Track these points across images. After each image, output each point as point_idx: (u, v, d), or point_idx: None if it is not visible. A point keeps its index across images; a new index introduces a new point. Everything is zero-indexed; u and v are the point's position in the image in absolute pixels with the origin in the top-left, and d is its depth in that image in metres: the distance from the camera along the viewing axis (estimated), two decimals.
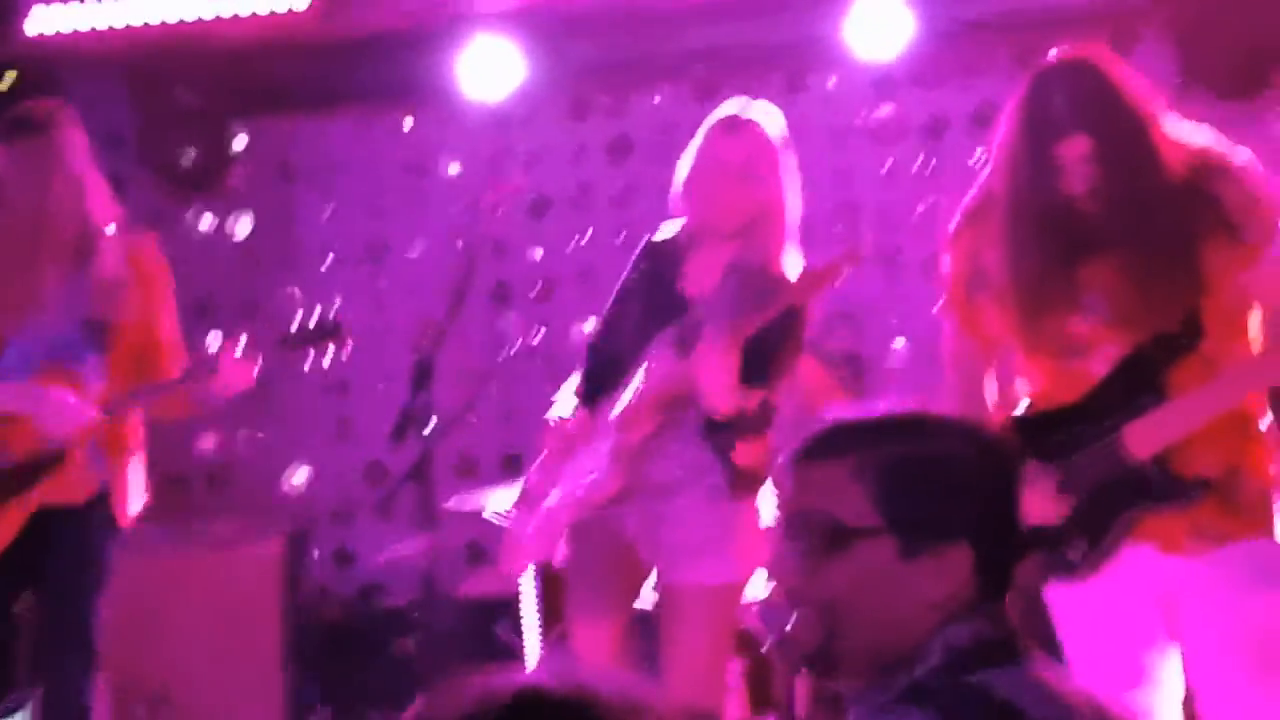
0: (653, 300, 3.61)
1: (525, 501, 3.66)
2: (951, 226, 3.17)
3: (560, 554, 3.64)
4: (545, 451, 3.64)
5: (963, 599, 1.79)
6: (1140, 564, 3.00)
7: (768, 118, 3.65)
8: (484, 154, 6.28)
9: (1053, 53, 3.02)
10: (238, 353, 3.77)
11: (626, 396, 3.55)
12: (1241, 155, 2.98)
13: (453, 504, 4.97)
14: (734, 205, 3.54)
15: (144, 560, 5.42)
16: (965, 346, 3.17)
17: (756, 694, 4.47)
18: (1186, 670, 3.02)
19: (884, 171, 6.06)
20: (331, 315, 3.73)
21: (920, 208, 6.01)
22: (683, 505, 3.52)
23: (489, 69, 5.53)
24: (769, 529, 3.55)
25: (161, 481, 6.58)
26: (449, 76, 5.57)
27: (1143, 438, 2.94)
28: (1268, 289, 2.94)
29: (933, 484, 1.80)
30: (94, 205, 3.88)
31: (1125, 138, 2.91)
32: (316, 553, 5.96)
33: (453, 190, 6.27)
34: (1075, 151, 2.90)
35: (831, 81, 6.05)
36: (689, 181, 3.61)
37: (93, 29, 5.50)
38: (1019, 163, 2.96)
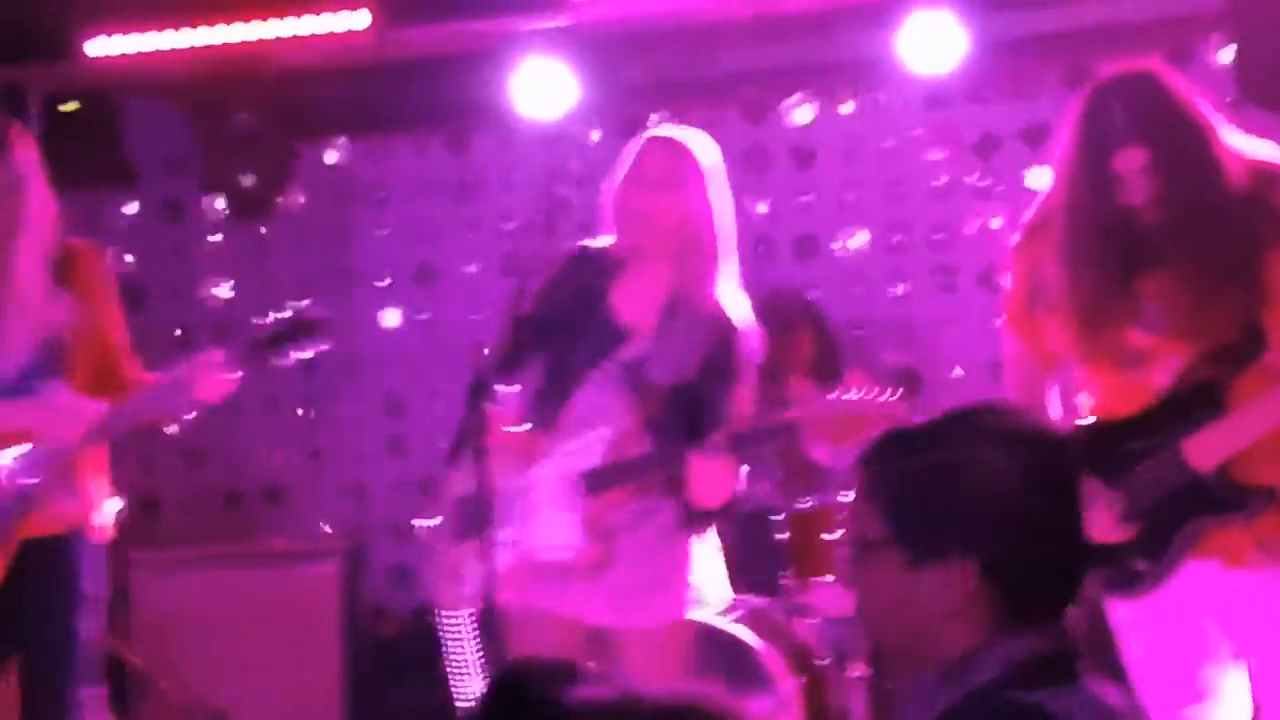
0: (584, 316, 3.57)
1: (467, 529, 3.48)
2: (1012, 242, 3.18)
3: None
4: (480, 464, 3.35)
5: (982, 610, 1.78)
6: (1204, 579, 2.98)
7: (696, 139, 3.65)
8: (538, 174, 6.31)
9: (1109, 67, 3.02)
10: (215, 363, 3.67)
11: (584, 451, 3.49)
12: None
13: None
14: (656, 215, 3.52)
15: (203, 579, 5.49)
16: (1026, 361, 3.18)
17: (813, 709, 4.47)
18: (1253, 685, 3.00)
19: (937, 187, 6.05)
20: (308, 313, 3.68)
21: (974, 224, 6.00)
22: (630, 546, 3.51)
23: (542, 89, 5.57)
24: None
25: (220, 500, 6.70)
26: (503, 97, 5.62)
27: (1204, 450, 2.94)
28: None
29: (938, 494, 1.81)
30: (54, 223, 3.74)
31: (1183, 149, 2.91)
32: (374, 571, 5.99)
33: (507, 210, 6.31)
34: (1133, 163, 2.90)
35: (883, 98, 6.06)
36: (614, 195, 3.61)
37: (153, 52, 5.57)
38: (1077, 175, 2.97)
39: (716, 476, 3.42)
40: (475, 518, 3.44)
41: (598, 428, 3.52)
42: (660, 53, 5.88)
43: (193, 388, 3.66)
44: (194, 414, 3.77)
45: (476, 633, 3.88)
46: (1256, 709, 3.02)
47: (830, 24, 5.60)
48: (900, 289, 6.10)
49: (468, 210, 6.50)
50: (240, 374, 3.66)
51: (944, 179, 6.04)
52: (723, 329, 3.53)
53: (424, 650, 5.35)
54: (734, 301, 3.60)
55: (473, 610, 3.64)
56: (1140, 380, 2.99)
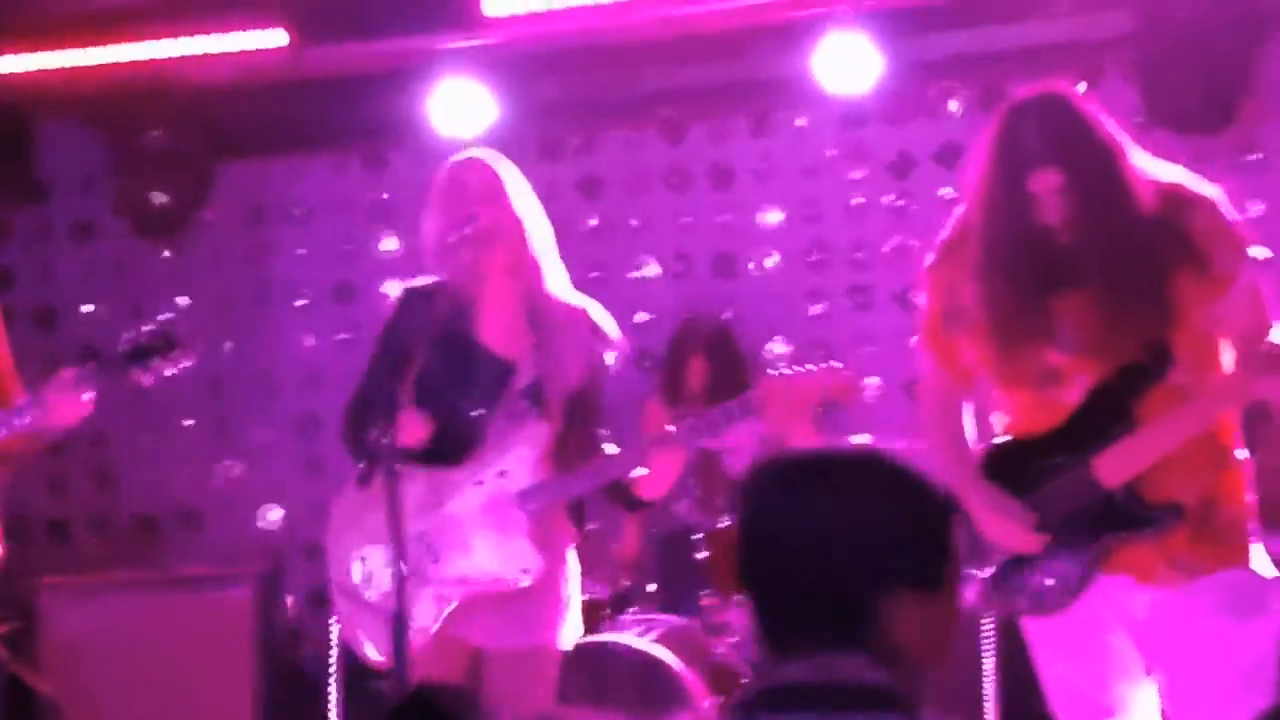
0: (462, 362, 3.58)
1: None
2: (927, 261, 3.20)
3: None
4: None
5: (761, 640, 1.84)
6: (1117, 595, 3.01)
7: (492, 155, 3.72)
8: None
9: (1022, 89, 3.06)
10: (68, 384, 3.59)
11: (509, 474, 3.52)
12: (1210, 189, 3.02)
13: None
14: (484, 230, 3.55)
15: (115, 604, 5.39)
16: (942, 380, 3.20)
17: None
18: (1165, 702, 3.03)
19: (854, 206, 6.11)
20: (169, 327, 3.63)
21: (890, 243, 6.06)
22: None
23: (460, 109, 5.56)
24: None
25: (133, 524, 6.59)
26: (421, 116, 5.59)
27: (1113, 466, 2.98)
28: (1237, 319, 2.97)
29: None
30: None
31: (1095, 171, 2.95)
32: (290, 594, 5.92)
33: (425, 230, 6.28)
34: (1047, 184, 2.94)
35: (801, 118, 6.10)
36: (434, 229, 3.63)
37: (65, 69, 5.50)
38: (993, 195, 3.00)
39: (669, 468, 3.47)
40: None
41: (513, 451, 3.55)
42: (578, 73, 5.89)
43: (48, 411, 3.58)
44: (55, 438, 3.70)
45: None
46: (1171, 705, 3.05)
47: (747, 45, 5.64)
48: (818, 308, 6.14)
49: (386, 229, 6.46)
50: (94, 394, 3.58)
51: (860, 198, 6.10)
52: (582, 324, 3.60)
53: (351, 670, 5.30)
54: (574, 295, 3.67)
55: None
56: (1054, 398, 3.03)
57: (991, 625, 4.74)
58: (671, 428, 3.51)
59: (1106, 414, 2.99)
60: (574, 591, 3.63)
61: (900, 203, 6.06)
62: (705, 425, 3.48)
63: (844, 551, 1.81)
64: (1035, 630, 3.14)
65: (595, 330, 3.60)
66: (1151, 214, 2.96)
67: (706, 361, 5.48)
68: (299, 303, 6.54)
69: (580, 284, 3.71)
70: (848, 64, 5.33)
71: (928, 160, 6.00)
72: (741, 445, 4.92)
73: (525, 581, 3.48)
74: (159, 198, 5.77)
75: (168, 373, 3.63)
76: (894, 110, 5.97)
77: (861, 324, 6.08)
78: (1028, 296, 2.99)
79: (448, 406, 3.56)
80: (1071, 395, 3.01)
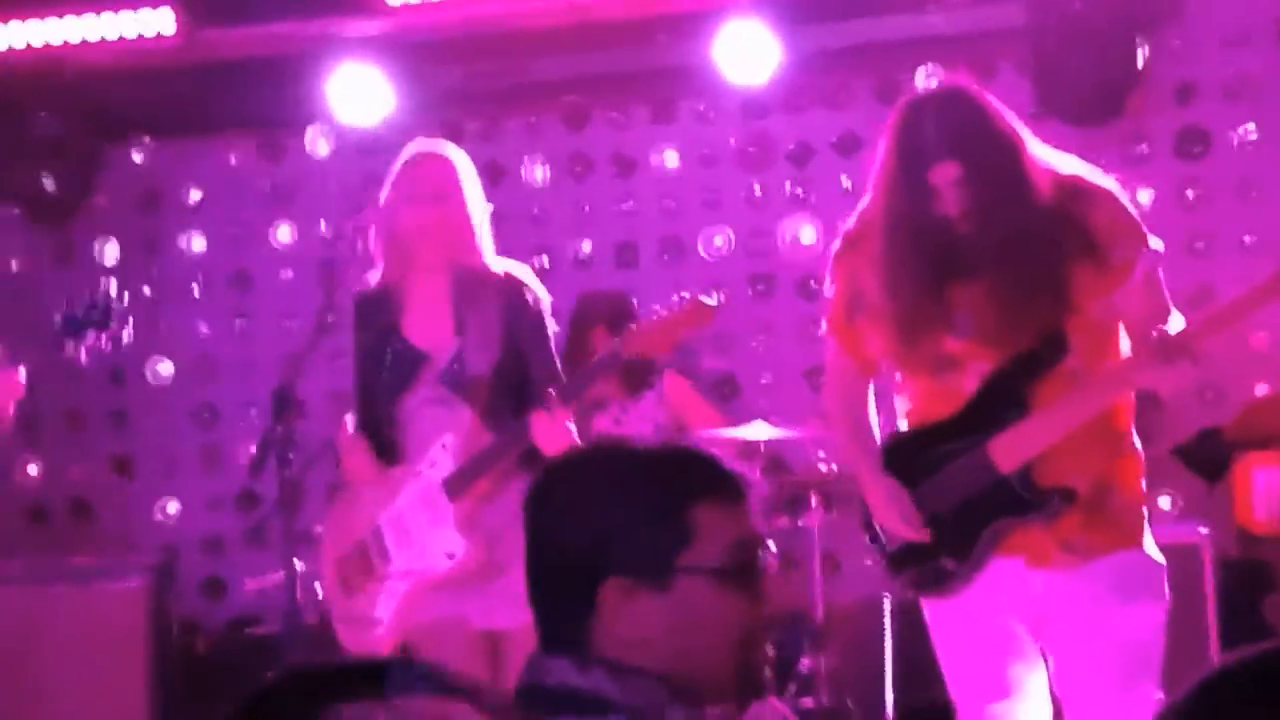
0: (384, 356, 3.67)
1: (352, 584, 3.64)
2: (832, 251, 3.24)
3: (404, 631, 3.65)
4: (285, 473, 3.55)
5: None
6: (1010, 578, 3.06)
7: (452, 149, 3.78)
8: (354, 181, 6.24)
9: (923, 82, 3.10)
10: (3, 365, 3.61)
11: (438, 463, 3.58)
12: (1108, 181, 3.08)
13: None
14: (431, 228, 3.63)
15: (5, 596, 5.29)
16: (846, 368, 3.24)
17: None
18: (1055, 682, 3.09)
19: (754, 196, 6.14)
20: (106, 301, 3.61)
21: (789, 232, 6.09)
22: (514, 545, 3.53)
23: (358, 95, 5.51)
24: None
25: (22, 516, 6.46)
26: (318, 102, 5.53)
27: (1007, 451, 3.03)
28: (1134, 309, 3.03)
29: None
30: None
31: (994, 163, 2.99)
32: (185, 585, 5.84)
33: (320, 217, 6.22)
34: (947, 176, 2.98)
35: (701, 107, 6.12)
36: (384, 215, 3.70)
37: None
38: (894, 187, 3.04)
39: (558, 429, 3.49)
40: (361, 563, 3.63)
41: (439, 439, 3.59)
42: (478, 60, 5.86)
43: None
44: None
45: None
46: (1057, 706, 3.11)
47: (648, 33, 5.64)
48: (718, 297, 6.16)
49: (282, 216, 6.39)
50: (23, 370, 3.54)
51: (760, 188, 6.13)
52: (508, 294, 3.65)
53: (236, 664, 5.25)
54: (506, 266, 3.72)
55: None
56: (953, 385, 3.07)
57: (890, 607, 4.80)
58: (551, 391, 3.55)
59: (1002, 400, 3.04)
60: None
61: (799, 192, 6.10)
62: (577, 382, 3.56)
63: (561, 546, 1.78)
64: (934, 612, 3.18)
65: (517, 293, 3.64)
66: (1050, 205, 3.00)
67: (610, 333, 5.48)
68: (193, 290, 6.45)
69: None
70: (748, 53, 5.36)
71: (827, 149, 6.04)
72: (642, 431, 4.95)
73: (445, 564, 3.55)
74: (48, 182, 5.66)
75: (100, 342, 3.60)
76: (794, 99, 6.01)
77: (761, 313, 6.12)
78: (926, 286, 3.03)
79: (377, 405, 3.65)
80: (970, 382, 3.06)
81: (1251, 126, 5.63)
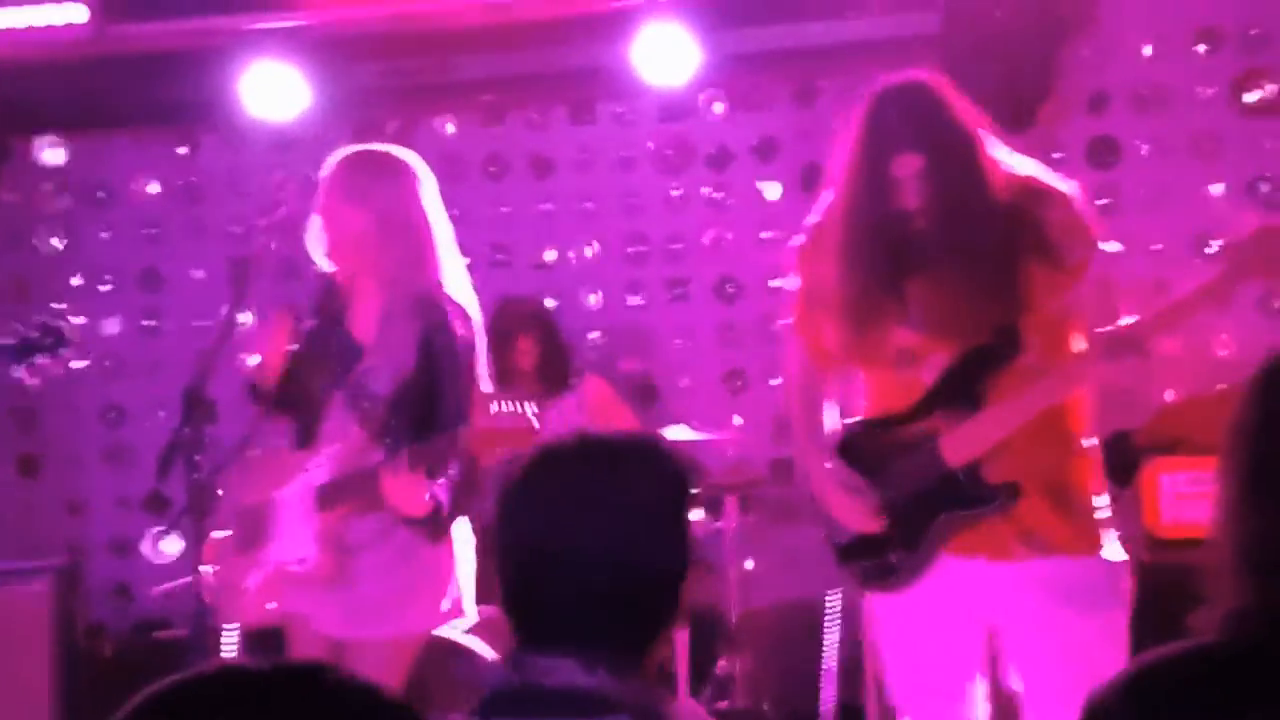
0: (327, 342, 3.67)
1: (239, 545, 3.65)
2: (796, 245, 3.23)
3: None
4: (192, 473, 3.48)
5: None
6: (970, 579, 3.05)
7: (393, 150, 3.74)
8: (267, 178, 6.16)
9: (886, 78, 3.11)
10: None
11: (321, 467, 3.59)
12: (1064, 184, 3.11)
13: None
14: (343, 228, 3.60)
15: None
16: (805, 361, 3.25)
17: None
18: (1017, 677, 3.07)
19: (672, 198, 6.14)
20: (54, 324, 3.56)
21: (707, 235, 6.10)
22: (372, 562, 3.58)
23: (273, 91, 5.44)
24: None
25: None
26: (232, 98, 5.46)
27: (957, 445, 3.04)
28: (1086, 310, 3.05)
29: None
30: None
31: (954, 158, 3.01)
32: (92, 588, 5.74)
33: (236, 214, 6.14)
34: (908, 168, 2.99)
35: (620, 109, 6.11)
36: (335, 219, 3.66)
37: None
38: (856, 179, 3.05)
39: (405, 489, 3.44)
40: (252, 529, 3.58)
41: (331, 444, 3.59)
42: (395, 57, 5.80)
43: None
44: None
45: (243, 645, 3.87)
46: (1017, 698, 3.11)
47: (567, 33, 5.62)
48: (636, 299, 6.16)
49: (195, 214, 6.30)
50: None
51: (678, 190, 6.13)
52: (432, 315, 3.57)
53: (143, 667, 5.15)
54: (449, 288, 3.64)
55: (243, 623, 3.69)
56: (911, 378, 3.09)
57: (838, 602, 4.80)
58: (403, 456, 3.48)
59: (956, 395, 3.05)
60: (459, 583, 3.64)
61: (718, 195, 6.11)
62: (433, 451, 3.44)
63: (604, 550, 1.79)
64: (880, 609, 3.18)
65: (443, 322, 3.56)
66: (1006, 203, 3.02)
67: (534, 341, 5.46)
68: (102, 288, 6.34)
69: None
70: (666, 55, 5.35)
71: (746, 153, 6.05)
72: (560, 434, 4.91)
73: (296, 568, 3.55)
74: None
75: (49, 367, 3.54)
76: (711, 103, 6.02)
77: (678, 316, 6.12)
78: (881, 277, 3.04)
79: (308, 380, 3.62)
80: (928, 376, 3.07)
81: (1162, 135, 5.72)
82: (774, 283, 6.15)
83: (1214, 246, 5.43)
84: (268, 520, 3.63)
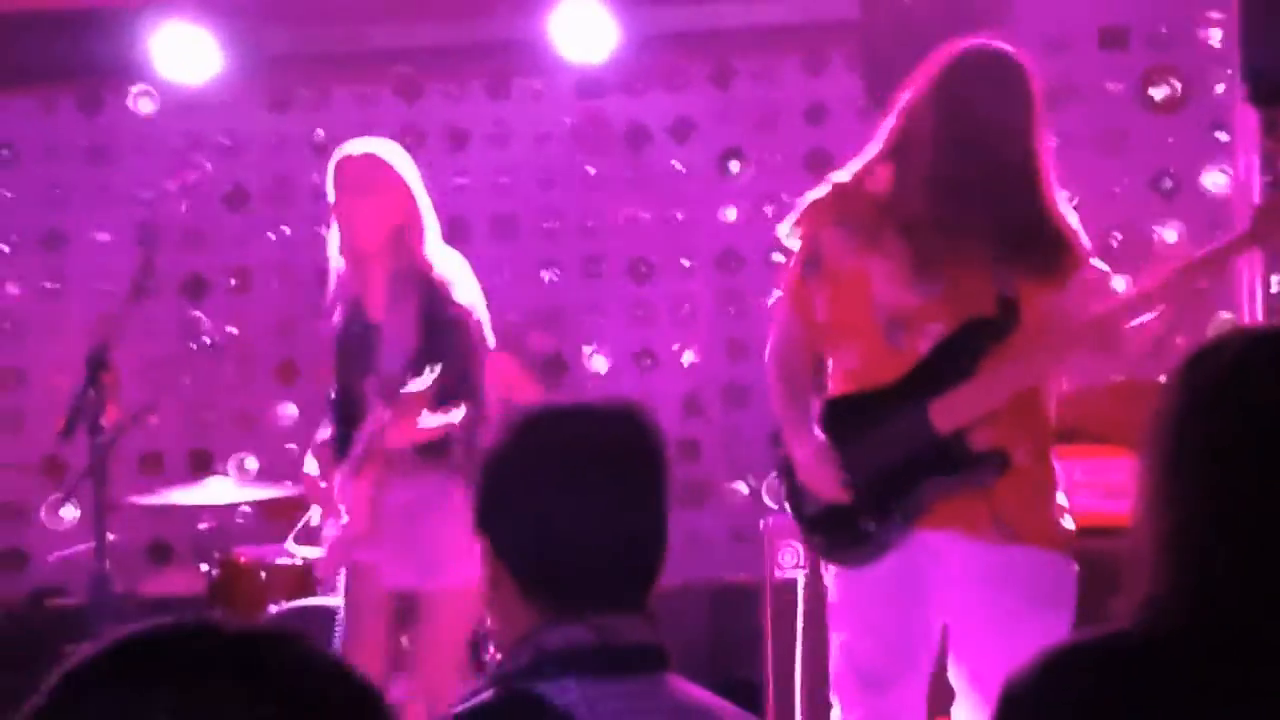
0: (354, 327, 3.91)
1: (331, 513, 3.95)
2: (798, 210, 3.21)
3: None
4: (95, 438, 3.61)
5: (516, 596, 1.78)
6: (941, 552, 3.04)
7: (380, 144, 3.93)
8: (176, 141, 6.06)
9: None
10: None
11: (358, 444, 3.82)
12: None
13: (137, 499, 4.81)
14: (354, 221, 3.84)
15: None
16: (793, 328, 3.21)
17: None
18: (962, 672, 3.07)
19: (588, 176, 6.13)
20: None
21: (622, 214, 6.10)
22: (432, 518, 3.78)
23: (183, 53, 5.35)
24: None
25: None
26: (141, 58, 5.36)
27: (946, 411, 3.04)
28: (1074, 310, 3.08)
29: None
30: None
31: (1006, 128, 3.05)
32: None
33: (142, 177, 6.04)
34: (974, 138, 3.02)
35: (537, 85, 6.09)
36: (337, 215, 3.89)
37: None
38: (949, 122, 3.04)
39: (346, 490, 3.75)
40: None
41: (366, 419, 3.80)
42: (307, 25, 5.73)
43: None
44: None
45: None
46: (965, 671, 3.08)
47: (485, 6, 5.58)
48: (549, 275, 6.15)
49: (100, 175, 6.19)
50: None
51: (594, 168, 6.12)
52: (428, 285, 3.80)
53: (37, 636, 5.08)
54: (441, 264, 3.86)
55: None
56: (908, 347, 3.07)
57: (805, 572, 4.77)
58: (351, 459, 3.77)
59: (951, 363, 3.05)
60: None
61: (633, 174, 6.11)
62: (361, 453, 3.74)
63: (646, 519, 1.81)
64: (840, 583, 3.14)
65: (437, 291, 3.78)
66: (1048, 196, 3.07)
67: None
68: (2, 249, 6.21)
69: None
70: (585, 32, 5.34)
71: (662, 133, 6.06)
72: None
73: (341, 532, 3.83)
74: None
75: None
76: (630, 81, 6.01)
77: (592, 293, 6.12)
78: (959, 211, 3.03)
79: (351, 385, 3.87)
80: (923, 345, 3.07)
81: (1069, 130, 5.80)
82: (686, 262, 6.20)
83: (1117, 241, 5.52)
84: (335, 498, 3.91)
